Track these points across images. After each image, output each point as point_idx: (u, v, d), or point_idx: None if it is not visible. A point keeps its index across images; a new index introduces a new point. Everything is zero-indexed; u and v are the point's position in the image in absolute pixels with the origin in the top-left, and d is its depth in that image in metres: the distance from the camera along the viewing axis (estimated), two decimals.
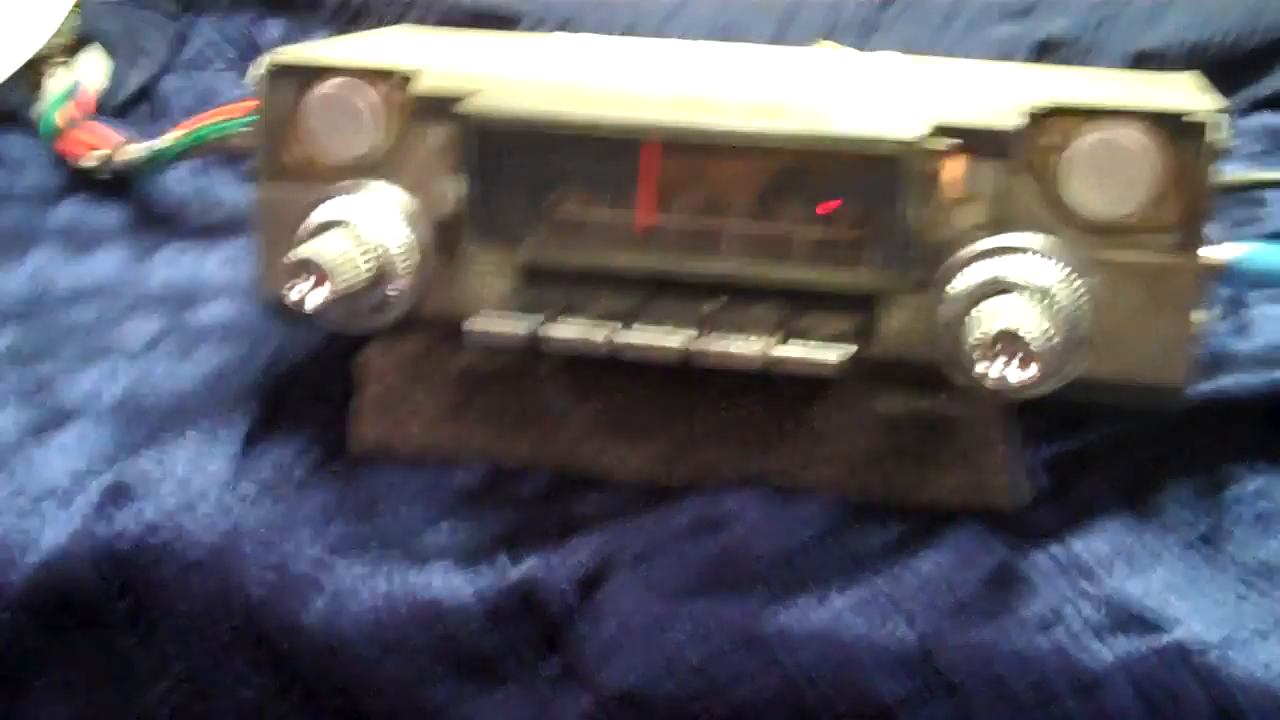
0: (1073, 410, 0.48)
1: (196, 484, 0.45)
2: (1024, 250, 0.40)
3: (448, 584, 0.42)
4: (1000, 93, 0.44)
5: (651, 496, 0.45)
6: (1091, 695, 0.39)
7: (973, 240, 0.41)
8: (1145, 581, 0.42)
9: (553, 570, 0.42)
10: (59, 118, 0.67)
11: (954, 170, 0.42)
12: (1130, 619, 0.41)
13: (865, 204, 0.41)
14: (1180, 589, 0.42)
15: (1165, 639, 0.40)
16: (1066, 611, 0.41)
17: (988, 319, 0.38)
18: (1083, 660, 0.39)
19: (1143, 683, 0.39)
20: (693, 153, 0.42)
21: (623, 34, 0.75)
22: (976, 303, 0.39)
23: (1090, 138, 0.42)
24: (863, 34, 0.75)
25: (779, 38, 0.75)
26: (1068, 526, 0.44)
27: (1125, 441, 0.48)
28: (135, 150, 0.64)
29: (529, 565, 0.42)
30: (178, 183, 0.68)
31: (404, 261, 0.44)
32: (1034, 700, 0.39)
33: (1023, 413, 0.47)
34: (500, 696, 0.42)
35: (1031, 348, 0.38)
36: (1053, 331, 0.39)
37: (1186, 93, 0.47)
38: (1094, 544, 0.43)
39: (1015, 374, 0.38)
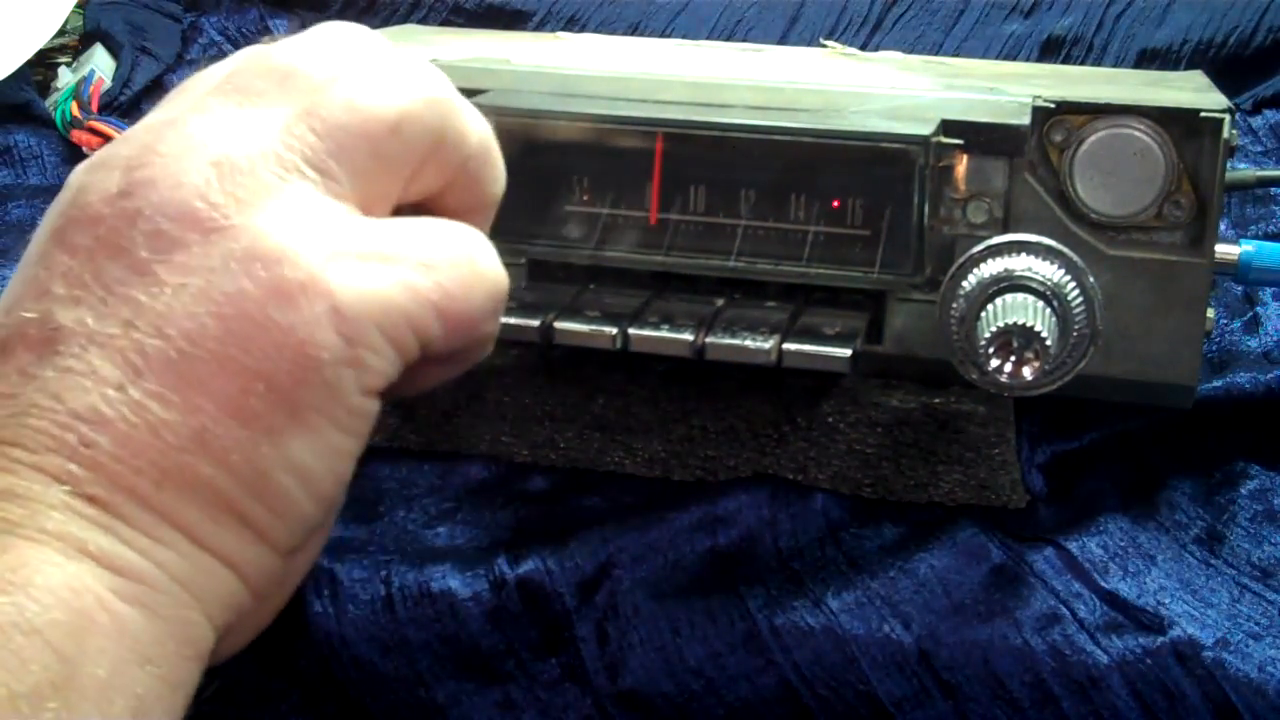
0: (1079, 408, 0.48)
1: None
2: (1034, 247, 0.40)
3: (448, 585, 0.42)
4: (1008, 91, 0.44)
5: (653, 497, 0.45)
6: (1088, 695, 0.39)
7: (983, 237, 0.41)
8: (1142, 582, 0.42)
9: (552, 572, 0.42)
10: (74, 108, 0.68)
11: (964, 168, 0.42)
12: (1127, 619, 0.41)
13: (876, 201, 0.41)
14: (1177, 590, 0.42)
15: (1162, 639, 0.40)
16: (1063, 612, 0.41)
17: (1000, 315, 0.38)
18: (1080, 660, 0.40)
19: (1139, 683, 0.39)
20: (704, 149, 0.42)
21: (629, 32, 0.75)
22: (988, 300, 0.39)
23: (1099, 135, 0.42)
24: (869, 32, 0.75)
25: (785, 36, 0.75)
26: (1065, 527, 0.44)
27: (1124, 442, 0.48)
28: None
29: (529, 567, 0.42)
30: None
31: None
32: (1031, 700, 0.39)
33: (1022, 413, 0.47)
34: (500, 697, 0.42)
35: (1043, 344, 0.38)
36: (1063, 328, 0.39)
37: (1193, 91, 0.47)
38: (1091, 544, 0.43)
39: (1027, 370, 0.38)
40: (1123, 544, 0.44)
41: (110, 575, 0.27)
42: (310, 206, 0.30)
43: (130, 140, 0.31)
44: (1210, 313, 0.43)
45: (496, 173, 0.35)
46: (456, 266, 0.31)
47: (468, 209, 0.34)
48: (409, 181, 0.32)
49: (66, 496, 0.27)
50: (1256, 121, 0.68)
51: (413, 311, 0.30)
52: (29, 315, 0.29)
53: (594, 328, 0.42)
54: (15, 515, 0.27)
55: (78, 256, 0.29)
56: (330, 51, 0.33)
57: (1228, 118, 0.41)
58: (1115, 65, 0.71)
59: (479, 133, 0.34)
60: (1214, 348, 0.52)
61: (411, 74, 0.33)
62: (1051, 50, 0.73)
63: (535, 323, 0.42)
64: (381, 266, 0.30)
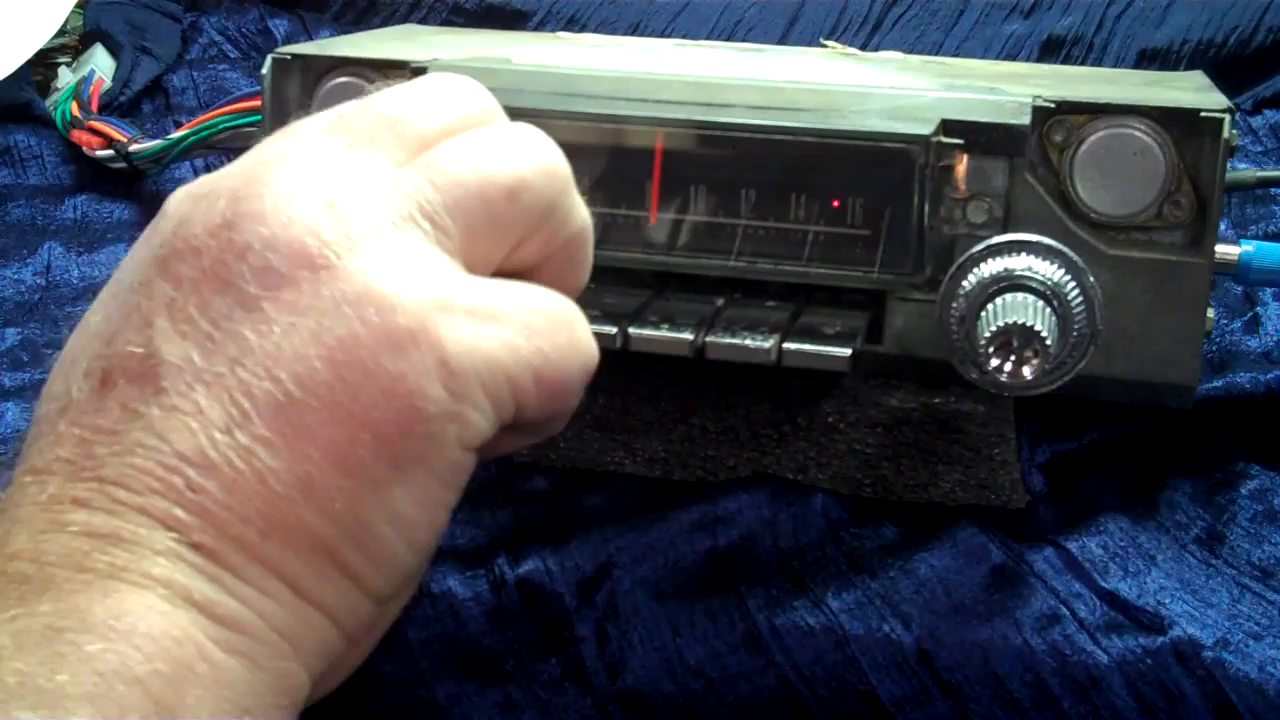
0: (1079, 408, 0.48)
1: None
2: (1034, 247, 0.40)
3: (448, 585, 0.42)
4: (1008, 91, 0.44)
5: (653, 497, 0.45)
6: (1088, 695, 0.39)
7: (983, 237, 0.41)
8: (1142, 582, 0.42)
9: (552, 572, 0.42)
10: (74, 108, 0.68)
11: (964, 167, 0.42)
12: (1127, 619, 0.41)
13: (876, 201, 0.41)
14: (1177, 590, 0.42)
15: (1162, 639, 0.40)
16: (1064, 612, 0.41)
17: (1000, 315, 0.38)
18: (1080, 660, 0.40)
19: (1139, 683, 0.39)
20: (704, 148, 0.42)
21: (629, 32, 0.75)
22: (988, 299, 0.39)
23: (1099, 135, 0.42)
24: (869, 32, 0.75)
25: (785, 36, 0.75)
26: (1066, 527, 0.44)
27: (1124, 442, 0.48)
28: (145, 146, 0.64)
29: (529, 567, 0.42)
30: (187, 177, 0.68)
31: None
32: (1031, 700, 0.39)
33: (1022, 413, 0.47)
34: (500, 697, 0.42)
35: (1043, 344, 0.38)
36: (1063, 328, 0.39)
37: (1193, 91, 0.47)
38: (1091, 544, 0.43)
39: (1027, 370, 0.38)
40: (1123, 544, 0.44)
41: (212, 625, 0.27)
42: (420, 255, 0.30)
43: (235, 173, 0.31)
44: (1210, 313, 0.43)
45: (589, 260, 0.35)
46: (555, 334, 0.31)
47: (557, 289, 0.34)
48: (512, 250, 0.32)
49: (172, 543, 0.27)
50: (1256, 121, 0.68)
51: (514, 372, 0.30)
52: (133, 348, 0.28)
53: (594, 327, 0.42)
54: (121, 560, 0.26)
55: (182, 287, 0.29)
56: (444, 104, 0.32)
57: (1228, 118, 0.41)
58: (1115, 65, 0.71)
59: (583, 215, 0.34)
60: (1214, 348, 0.52)
61: (531, 141, 0.32)
62: (1051, 50, 0.73)
63: None
64: (487, 324, 0.30)
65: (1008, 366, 0.38)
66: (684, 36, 0.75)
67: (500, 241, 0.31)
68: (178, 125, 0.66)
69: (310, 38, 0.77)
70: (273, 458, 0.27)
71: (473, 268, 0.31)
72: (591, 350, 0.33)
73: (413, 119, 0.32)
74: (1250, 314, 0.54)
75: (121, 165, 0.66)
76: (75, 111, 0.68)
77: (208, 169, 0.67)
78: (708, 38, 0.75)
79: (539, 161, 0.32)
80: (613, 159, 0.42)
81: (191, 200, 0.30)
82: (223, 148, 0.62)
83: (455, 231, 0.30)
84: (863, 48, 0.72)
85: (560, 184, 0.32)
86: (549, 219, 0.32)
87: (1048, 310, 0.39)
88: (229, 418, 0.27)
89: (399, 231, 0.30)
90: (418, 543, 0.30)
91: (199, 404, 0.28)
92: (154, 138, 0.65)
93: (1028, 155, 0.42)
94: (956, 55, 0.73)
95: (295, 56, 0.47)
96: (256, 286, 0.28)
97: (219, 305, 0.28)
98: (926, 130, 0.41)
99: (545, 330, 0.31)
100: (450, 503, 0.30)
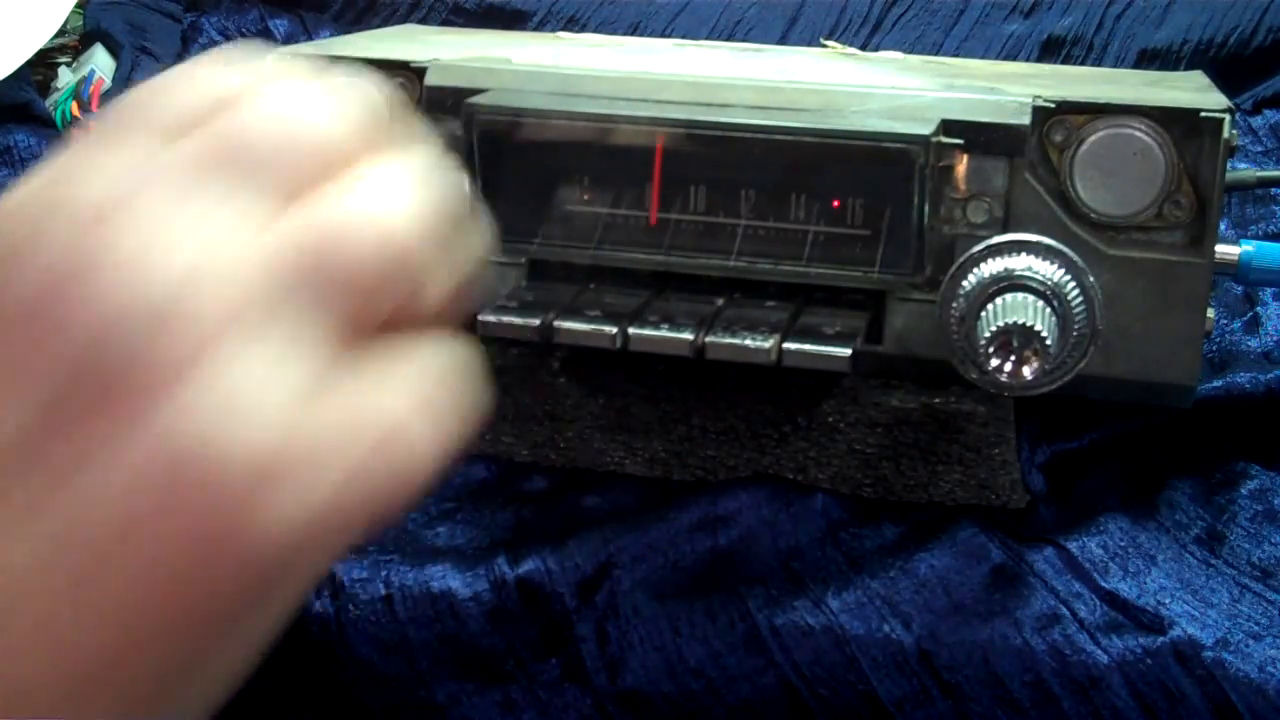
0: (1079, 408, 0.48)
1: None
2: (1034, 247, 0.40)
3: (448, 585, 0.42)
4: (1008, 91, 0.44)
5: (653, 497, 0.45)
6: (1088, 695, 0.39)
7: (983, 237, 0.41)
8: (1142, 582, 0.42)
9: (552, 572, 0.42)
10: (74, 108, 0.68)
11: (964, 167, 0.42)
12: (1127, 619, 0.41)
13: (876, 201, 0.41)
14: (1177, 590, 0.42)
15: (1162, 639, 0.40)
16: (1063, 612, 0.41)
17: (999, 315, 0.38)
18: (1080, 660, 0.40)
19: (1139, 683, 0.39)
20: (704, 148, 0.42)
21: (629, 32, 0.75)
22: (988, 299, 0.39)
23: (1099, 135, 0.42)
24: (869, 32, 0.75)
25: (785, 36, 0.75)
26: (1066, 527, 0.44)
27: (1124, 442, 0.48)
28: None
29: (529, 567, 0.42)
30: None
31: None
32: (1031, 700, 0.39)
33: (1022, 413, 0.47)
34: (500, 697, 0.42)
35: (1043, 344, 0.38)
36: (1064, 328, 0.39)
37: (1193, 91, 0.47)
38: (1091, 544, 0.43)
39: (1027, 370, 0.38)
40: (1123, 544, 0.44)
41: None
42: (276, 361, 0.25)
43: (65, 220, 0.24)
44: (1210, 313, 0.43)
45: (474, 248, 0.30)
46: (390, 465, 0.27)
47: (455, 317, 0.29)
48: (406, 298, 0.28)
49: None
50: (1256, 121, 0.68)
51: (348, 519, 0.26)
52: None
53: (594, 327, 0.42)
54: None
55: None
56: (342, 123, 0.27)
57: (1228, 118, 0.41)
58: (1115, 65, 0.71)
59: (482, 242, 0.30)
60: (1214, 348, 0.52)
61: (423, 181, 0.28)
62: (1051, 50, 0.73)
63: (535, 322, 0.42)
64: (325, 471, 0.25)
65: (1008, 366, 0.38)
66: (684, 36, 0.75)
67: (391, 298, 0.27)
68: None
69: (310, 38, 0.77)
70: (75, 632, 0.23)
71: (359, 330, 0.26)
72: (425, 464, 0.28)
73: (305, 144, 0.27)
74: (1250, 314, 0.54)
75: None
76: (75, 111, 0.68)
77: None
78: (707, 38, 0.75)
79: (434, 205, 0.27)
80: (613, 159, 0.42)
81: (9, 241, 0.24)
82: None
83: (336, 301, 0.26)
84: (863, 48, 0.72)
85: (454, 223, 0.28)
86: (447, 263, 0.28)
87: (1048, 310, 0.39)
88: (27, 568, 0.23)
89: (260, 322, 0.24)
90: (244, 663, 0.26)
91: None
92: None
93: (1028, 155, 0.42)
94: (956, 55, 0.73)
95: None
96: (52, 411, 0.23)
97: (7, 419, 0.23)
98: (926, 130, 0.40)
99: (381, 470, 0.26)
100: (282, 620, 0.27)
